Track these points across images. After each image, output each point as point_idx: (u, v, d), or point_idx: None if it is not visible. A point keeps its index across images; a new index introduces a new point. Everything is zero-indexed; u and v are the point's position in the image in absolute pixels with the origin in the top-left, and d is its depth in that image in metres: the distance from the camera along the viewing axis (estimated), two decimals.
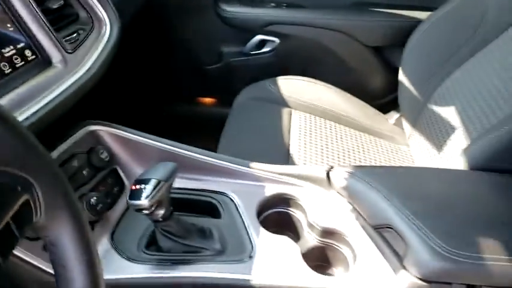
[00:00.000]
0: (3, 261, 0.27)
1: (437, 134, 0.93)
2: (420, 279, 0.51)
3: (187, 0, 1.19)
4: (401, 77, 1.07)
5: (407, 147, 1.05)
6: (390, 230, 0.56)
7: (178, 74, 1.32)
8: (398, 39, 1.10)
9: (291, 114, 1.04)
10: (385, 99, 1.25)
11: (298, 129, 1.00)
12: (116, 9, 0.69)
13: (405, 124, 1.07)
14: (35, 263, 0.50)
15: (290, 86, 1.10)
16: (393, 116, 1.18)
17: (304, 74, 1.14)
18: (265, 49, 1.21)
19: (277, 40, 1.19)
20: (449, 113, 0.90)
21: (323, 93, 1.11)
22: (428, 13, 1.00)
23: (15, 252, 0.49)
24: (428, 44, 1.00)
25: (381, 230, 0.58)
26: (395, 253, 0.55)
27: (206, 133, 1.04)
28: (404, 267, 0.53)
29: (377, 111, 1.15)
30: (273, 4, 1.17)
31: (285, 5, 1.17)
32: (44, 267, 0.51)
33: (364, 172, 0.64)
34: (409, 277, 0.52)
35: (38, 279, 0.51)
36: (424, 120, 0.99)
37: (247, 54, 1.23)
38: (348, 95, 1.13)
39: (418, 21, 1.03)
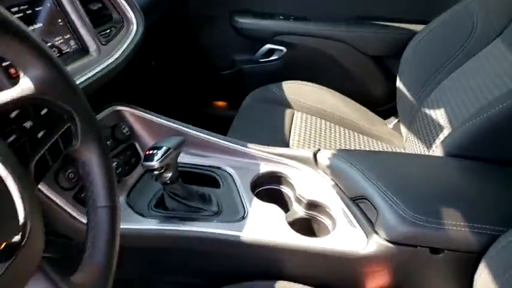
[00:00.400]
0: (52, 164, 0.37)
1: (429, 136, 1.01)
2: (389, 241, 0.60)
3: (204, 11, 1.32)
4: (399, 84, 1.16)
5: (404, 149, 1.13)
6: (365, 201, 0.65)
7: (194, 78, 1.44)
8: (396, 50, 1.20)
9: (293, 115, 1.14)
10: (385, 106, 1.34)
11: (299, 128, 1.09)
12: (142, 13, 0.82)
13: (402, 128, 1.15)
14: (68, 209, 0.61)
15: (294, 89, 1.20)
16: (392, 121, 1.27)
17: (308, 81, 1.24)
18: (273, 57, 1.33)
19: (284, 49, 1.31)
20: (438, 117, 0.98)
21: (325, 97, 1.21)
22: (423, 26, 1.10)
23: (55, 199, 0.60)
24: (422, 54, 1.09)
25: (357, 201, 0.67)
26: (369, 220, 0.64)
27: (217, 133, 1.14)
28: (375, 232, 0.61)
29: (377, 116, 1.24)
30: (281, 17, 1.29)
31: (292, 17, 1.29)
32: (75, 215, 0.62)
33: (347, 154, 0.73)
34: (379, 240, 0.60)
35: (70, 225, 0.62)
36: (418, 123, 1.07)
37: (257, 62, 1.35)
38: (349, 99, 1.22)
39: (414, 33, 1.13)
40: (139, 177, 0.73)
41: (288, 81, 1.23)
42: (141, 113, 0.77)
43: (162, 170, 0.63)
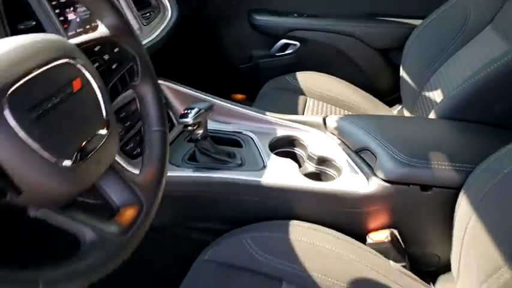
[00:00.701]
0: (121, 91, 0.50)
1: (426, 112, 1.11)
2: (386, 181, 0.70)
3: (225, 10, 1.47)
4: (402, 73, 1.27)
5: None
6: (366, 151, 0.76)
7: (214, 72, 1.58)
8: (399, 43, 1.31)
9: (306, 101, 1.26)
10: (391, 97, 1.44)
11: (311, 112, 1.21)
12: (176, 2, 0.96)
13: (405, 112, 1.26)
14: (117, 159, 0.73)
15: (306, 79, 1.32)
16: (397, 108, 1.37)
17: (320, 72, 1.36)
18: (287, 51, 1.46)
19: (298, 44, 1.44)
20: (436, 97, 1.08)
21: (335, 86, 1.32)
22: (421, 20, 1.22)
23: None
24: (421, 46, 1.20)
25: (360, 153, 0.77)
26: (369, 166, 0.74)
27: None
28: (374, 174, 0.72)
29: (382, 103, 1.34)
30: (295, 14, 1.43)
31: (305, 14, 1.42)
32: (124, 165, 0.74)
33: (351, 117, 0.84)
34: (378, 180, 0.71)
35: None
36: (418, 106, 1.18)
37: (273, 56, 1.48)
38: (357, 88, 1.34)
39: (414, 27, 1.24)
40: (174, 138, 0.86)
41: (301, 72, 1.35)
42: (174, 85, 0.90)
43: (195, 127, 0.75)
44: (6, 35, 0.59)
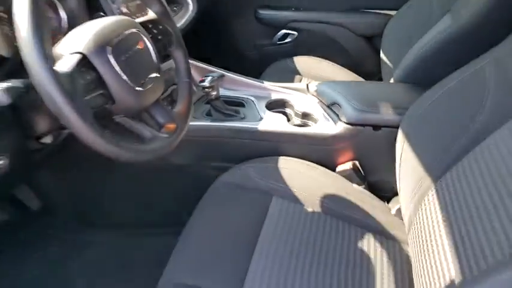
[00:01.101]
0: (164, 52, 0.78)
1: None
2: (347, 123, 0.97)
3: (234, 6, 1.75)
4: (382, 55, 1.52)
5: None
6: (335, 104, 1.03)
7: (225, 58, 1.86)
8: (380, 30, 1.57)
9: (301, 80, 1.53)
10: (376, 78, 1.70)
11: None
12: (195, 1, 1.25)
13: None
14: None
15: (302, 62, 1.59)
16: None
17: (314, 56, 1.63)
18: (287, 40, 1.74)
19: (295, 33, 1.71)
20: None
21: (327, 68, 1.59)
22: (396, 11, 1.47)
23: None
24: (396, 31, 1.46)
25: (331, 107, 1.04)
26: (336, 115, 1.01)
27: None
28: (340, 120, 0.99)
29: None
30: (293, 8, 1.70)
31: (301, 8, 1.69)
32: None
33: (326, 82, 1.11)
34: (342, 124, 0.98)
35: None
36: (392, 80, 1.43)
37: (274, 44, 1.76)
38: (345, 69, 1.60)
39: (390, 17, 1.49)
40: (194, 102, 1.14)
41: (298, 56, 1.62)
42: (193, 61, 1.18)
43: (210, 90, 1.03)
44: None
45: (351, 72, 1.57)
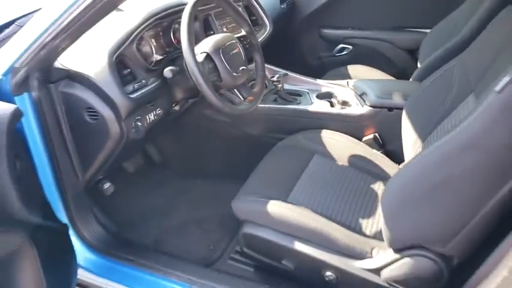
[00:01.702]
0: (247, 64, 1.30)
1: None
2: (370, 106, 1.40)
3: (302, 27, 2.25)
4: (418, 64, 1.89)
5: None
6: (364, 94, 1.45)
7: (294, 66, 2.35)
8: (417, 45, 1.93)
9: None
10: None
11: None
12: (271, 22, 1.77)
13: None
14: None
15: (353, 69, 2.02)
16: None
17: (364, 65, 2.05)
18: (344, 52, 2.18)
19: (350, 47, 2.15)
20: None
21: (373, 74, 2.00)
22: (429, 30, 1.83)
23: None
24: (429, 46, 1.81)
25: (361, 95, 1.47)
26: (364, 100, 1.44)
27: None
28: (365, 104, 1.42)
29: None
30: (349, 28, 2.15)
31: (356, 28, 2.13)
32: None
33: (360, 80, 1.54)
34: (366, 107, 1.41)
35: None
36: None
37: (334, 56, 2.21)
38: (386, 74, 1.99)
39: (426, 34, 1.86)
40: (266, 93, 1.65)
41: (351, 65, 2.05)
42: (267, 64, 1.69)
43: (277, 83, 1.53)
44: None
45: (389, 76, 1.96)
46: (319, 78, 1.90)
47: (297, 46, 2.34)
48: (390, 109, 1.37)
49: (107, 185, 1.33)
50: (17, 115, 0.88)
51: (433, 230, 0.86)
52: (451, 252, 0.87)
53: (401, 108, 1.33)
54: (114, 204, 1.48)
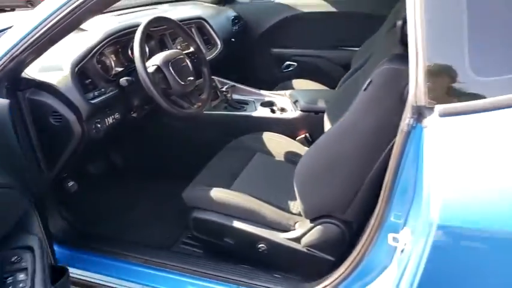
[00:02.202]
0: (194, 75, 1.53)
1: None
2: (300, 111, 1.65)
3: (254, 46, 2.52)
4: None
5: None
6: (297, 101, 1.71)
7: (247, 81, 2.61)
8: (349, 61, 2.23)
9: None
10: None
11: None
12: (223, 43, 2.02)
13: None
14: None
15: (297, 83, 2.29)
16: None
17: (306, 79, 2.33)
18: (290, 68, 2.46)
19: (295, 64, 2.44)
20: None
21: (311, 85, 2.26)
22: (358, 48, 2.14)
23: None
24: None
25: (295, 103, 1.73)
26: (296, 107, 1.69)
27: None
28: (297, 109, 1.67)
29: None
30: (294, 47, 2.44)
31: (299, 47, 2.43)
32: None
33: (297, 90, 1.81)
34: (298, 111, 1.66)
35: None
36: None
37: (282, 72, 2.49)
38: (322, 85, 2.26)
39: (355, 51, 2.16)
40: (217, 102, 1.87)
41: (296, 79, 2.33)
42: (219, 78, 1.92)
43: (226, 93, 1.76)
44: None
45: (324, 87, 2.24)
46: (270, 90, 2.17)
47: (250, 63, 2.61)
48: (316, 112, 1.63)
49: (71, 183, 1.50)
50: (12, 106, 1.06)
51: (334, 199, 1.10)
52: (350, 217, 1.11)
53: (324, 112, 1.59)
54: (78, 202, 1.64)
